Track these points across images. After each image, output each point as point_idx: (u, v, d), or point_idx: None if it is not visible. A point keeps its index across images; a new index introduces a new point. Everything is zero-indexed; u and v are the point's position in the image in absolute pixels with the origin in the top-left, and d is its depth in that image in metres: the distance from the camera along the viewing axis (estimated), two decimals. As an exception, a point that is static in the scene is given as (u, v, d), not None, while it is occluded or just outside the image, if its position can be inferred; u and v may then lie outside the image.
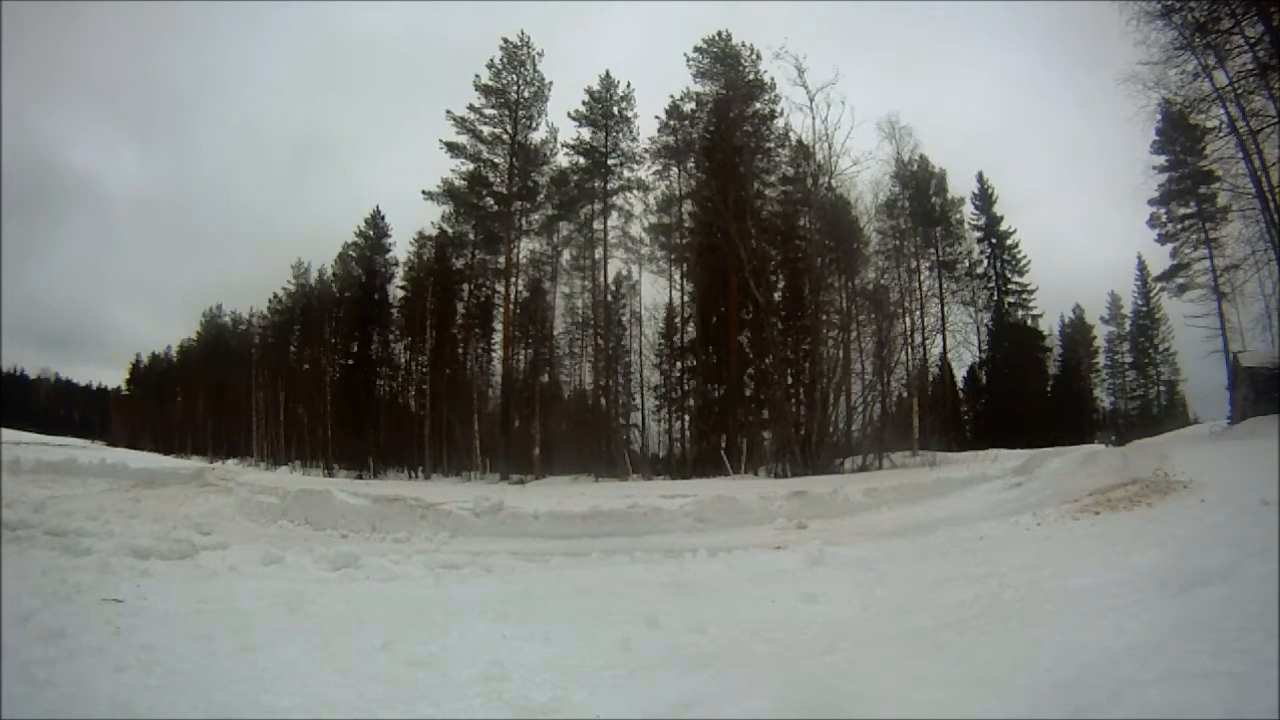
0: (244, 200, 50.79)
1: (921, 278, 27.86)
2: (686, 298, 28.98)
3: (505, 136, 29.01)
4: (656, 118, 28.92)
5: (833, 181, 23.01)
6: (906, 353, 25.60)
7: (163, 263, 50.53)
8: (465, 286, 31.44)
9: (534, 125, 29.23)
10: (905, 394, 25.81)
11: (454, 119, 28.67)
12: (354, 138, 56.46)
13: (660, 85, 36.04)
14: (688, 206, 28.35)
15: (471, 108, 28.75)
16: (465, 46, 60.55)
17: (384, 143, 55.42)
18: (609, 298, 29.54)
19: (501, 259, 29.72)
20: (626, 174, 29.04)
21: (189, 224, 50.40)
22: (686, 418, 29.03)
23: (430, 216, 31.40)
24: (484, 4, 43.63)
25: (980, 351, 30.30)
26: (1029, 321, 30.49)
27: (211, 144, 51.82)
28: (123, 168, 54.45)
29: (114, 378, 53.14)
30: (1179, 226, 24.64)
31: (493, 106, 28.92)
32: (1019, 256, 30.59)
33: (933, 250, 28.89)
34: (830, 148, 22.37)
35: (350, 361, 34.59)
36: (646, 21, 52.56)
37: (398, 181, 56.73)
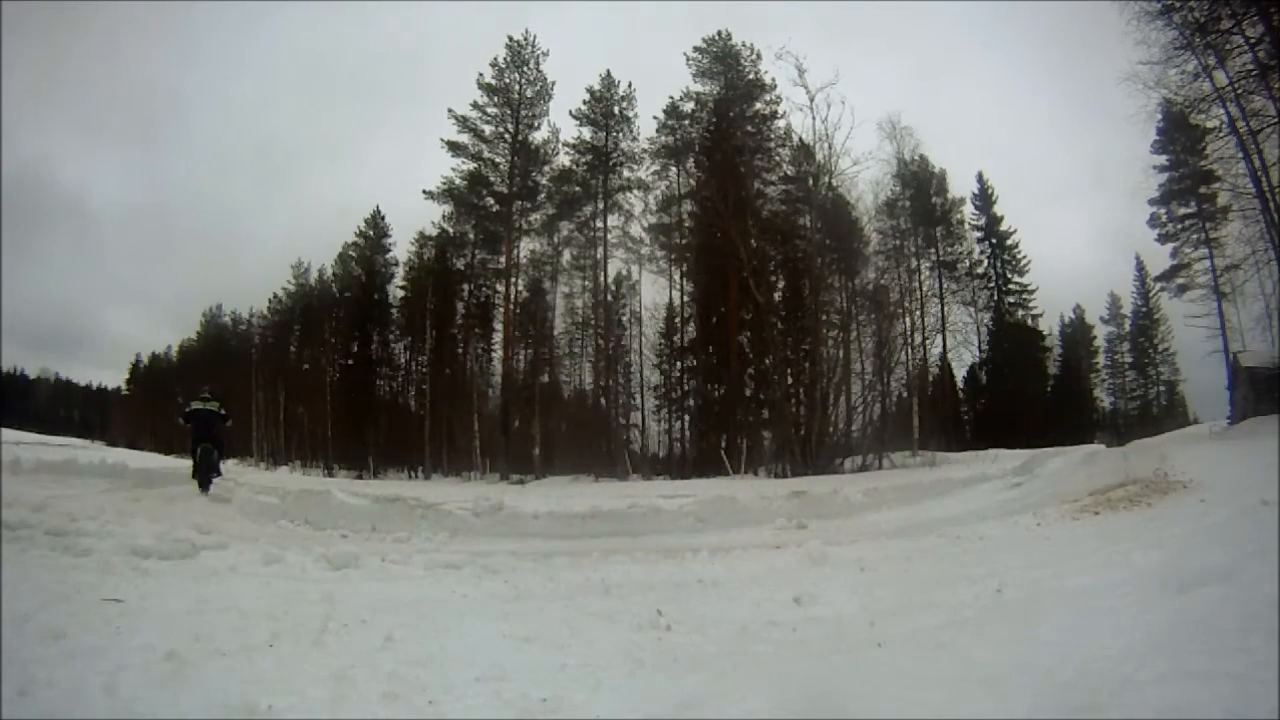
0: (241, 202, 50.67)
1: (921, 278, 27.86)
2: (686, 298, 29.01)
3: (507, 136, 29.01)
4: (655, 118, 28.96)
5: (833, 181, 23.08)
6: (906, 353, 25.63)
7: (156, 267, 50.18)
8: (465, 286, 31.43)
9: (536, 125, 29.27)
10: (905, 394, 25.81)
11: (456, 118, 28.66)
12: (353, 138, 56.32)
13: (661, 85, 35.99)
14: (688, 206, 28.38)
15: (474, 105, 28.76)
16: (465, 46, 60.47)
17: (383, 143, 55.29)
18: (609, 298, 29.55)
19: (501, 259, 29.73)
20: (626, 174, 29.10)
21: (185, 228, 50.13)
22: (686, 418, 29.05)
23: (431, 216, 31.40)
24: (486, 4, 43.55)
25: (980, 351, 30.25)
26: (1029, 321, 30.40)
27: (205, 148, 51.42)
28: (110, 177, 54.04)
29: (114, 378, 52.95)
30: (1179, 226, 24.60)
31: (495, 105, 28.93)
32: (1019, 256, 30.51)
33: (933, 250, 28.87)
34: (831, 148, 22.45)
35: (350, 361, 34.53)
36: (646, 21, 52.44)
37: (398, 182, 56.68)
